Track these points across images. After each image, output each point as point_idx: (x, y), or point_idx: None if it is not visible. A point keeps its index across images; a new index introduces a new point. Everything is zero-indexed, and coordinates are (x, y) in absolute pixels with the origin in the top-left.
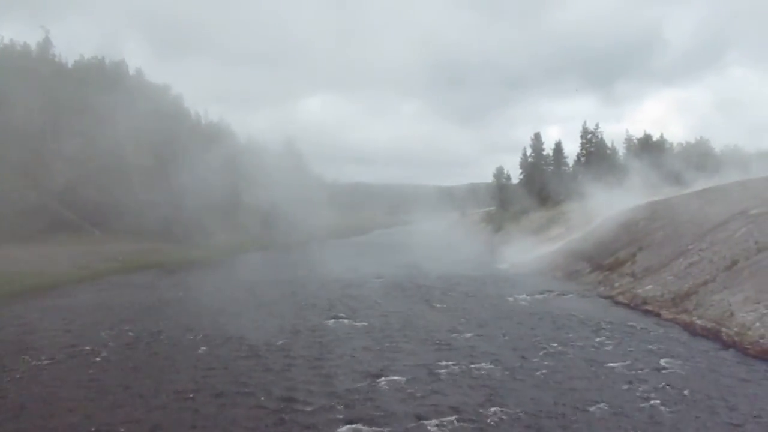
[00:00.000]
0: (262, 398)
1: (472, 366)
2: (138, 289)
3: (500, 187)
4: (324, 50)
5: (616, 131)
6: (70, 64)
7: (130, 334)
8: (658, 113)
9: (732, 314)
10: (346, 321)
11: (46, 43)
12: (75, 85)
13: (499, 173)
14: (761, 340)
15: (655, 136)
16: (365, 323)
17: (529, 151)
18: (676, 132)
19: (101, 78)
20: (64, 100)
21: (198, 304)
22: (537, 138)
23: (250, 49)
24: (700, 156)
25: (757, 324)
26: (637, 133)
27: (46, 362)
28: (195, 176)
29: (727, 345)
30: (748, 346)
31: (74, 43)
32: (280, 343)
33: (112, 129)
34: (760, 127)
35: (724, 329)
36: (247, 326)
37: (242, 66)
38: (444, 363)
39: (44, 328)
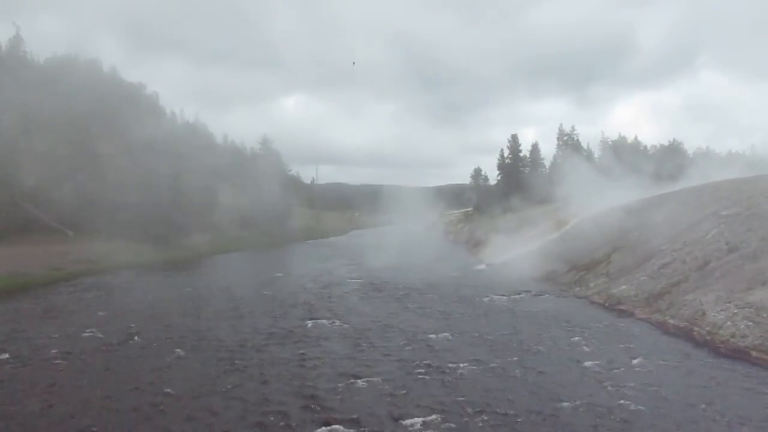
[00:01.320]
0: (238, 400)
1: (450, 366)
2: (111, 290)
3: (478, 188)
4: (298, 49)
5: (591, 133)
6: (41, 61)
7: (101, 336)
8: (632, 115)
9: (704, 314)
10: (323, 322)
11: (16, 40)
12: (47, 82)
13: (477, 174)
14: (732, 339)
15: (630, 138)
16: (343, 324)
17: (506, 152)
18: (649, 134)
19: (74, 75)
20: (35, 98)
21: (173, 306)
22: (514, 139)
23: (223, 48)
24: (673, 158)
25: (728, 323)
26: (612, 135)
27: (6, 367)
28: (171, 175)
29: (699, 344)
30: (720, 345)
31: (45, 40)
32: (256, 344)
33: (85, 127)
34: (729, 129)
35: (696, 328)
36: (223, 328)
37: (215, 65)
38: (422, 363)
39: (9, 331)
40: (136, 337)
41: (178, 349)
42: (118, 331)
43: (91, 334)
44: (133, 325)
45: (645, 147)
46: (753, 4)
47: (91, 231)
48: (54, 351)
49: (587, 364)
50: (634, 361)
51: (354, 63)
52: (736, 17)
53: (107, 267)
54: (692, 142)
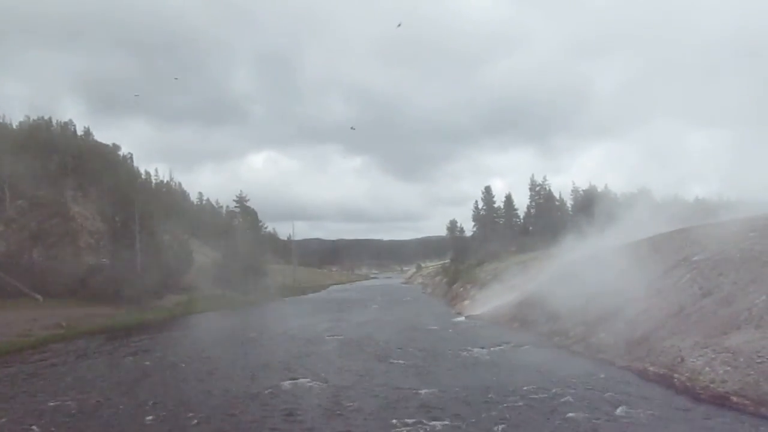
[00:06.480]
0: None
1: (431, 423)
2: (82, 356)
3: (454, 240)
4: (262, 106)
5: (560, 182)
6: (14, 124)
7: (70, 404)
8: (597, 164)
9: (683, 360)
10: (302, 381)
11: None
12: (20, 145)
13: (453, 226)
14: (712, 385)
15: (600, 187)
16: (323, 383)
17: (480, 204)
18: (615, 181)
19: (48, 139)
20: (7, 162)
21: (144, 370)
22: (488, 191)
23: (187, 107)
24: (643, 205)
25: (707, 369)
26: (582, 184)
27: None
28: (145, 236)
29: (680, 391)
30: (700, 391)
31: (8, 105)
32: (233, 408)
33: (59, 191)
34: (691, 175)
35: (676, 375)
36: (196, 392)
37: (181, 125)
38: (403, 421)
39: None
40: (105, 405)
41: (149, 416)
42: (85, 401)
43: (56, 404)
44: (100, 393)
45: (616, 195)
46: (704, 55)
47: (62, 295)
48: (22, 423)
49: (570, 415)
50: (617, 411)
51: None
52: (688, 67)
53: (78, 332)
54: (659, 188)
